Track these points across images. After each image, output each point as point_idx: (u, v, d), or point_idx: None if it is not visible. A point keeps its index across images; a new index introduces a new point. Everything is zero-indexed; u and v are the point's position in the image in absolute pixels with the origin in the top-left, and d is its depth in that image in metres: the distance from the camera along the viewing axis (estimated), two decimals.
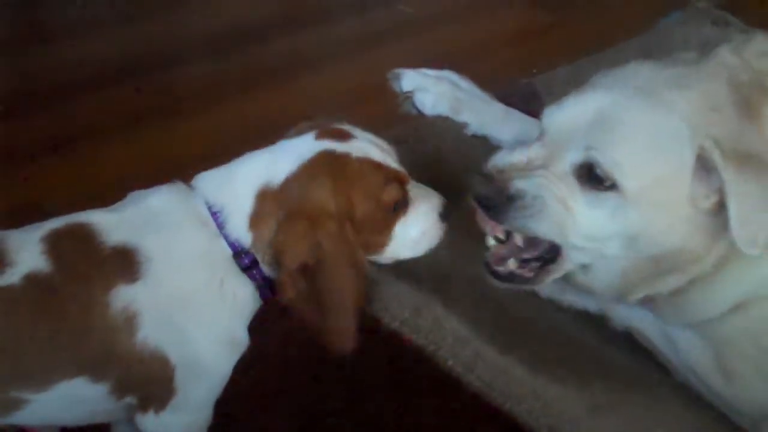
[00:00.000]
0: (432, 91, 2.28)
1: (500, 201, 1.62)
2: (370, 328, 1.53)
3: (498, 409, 1.66)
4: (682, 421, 1.78)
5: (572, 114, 1.65)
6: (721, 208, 1.55)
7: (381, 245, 1.53)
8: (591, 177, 1.61)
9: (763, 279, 1.64)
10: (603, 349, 1.89)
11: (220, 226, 1.44)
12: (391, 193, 1.48)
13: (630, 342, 1.88)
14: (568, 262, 1.72)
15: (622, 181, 1.58)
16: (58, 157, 2.36)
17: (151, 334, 1.39)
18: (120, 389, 1.41)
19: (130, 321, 1.37)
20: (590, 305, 1.90)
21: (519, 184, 1.63)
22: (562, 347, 1.87)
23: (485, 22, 3.22)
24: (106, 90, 2.63)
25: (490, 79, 2.32)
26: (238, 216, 1.44)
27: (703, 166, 1.55)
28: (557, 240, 1.68)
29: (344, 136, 1.48)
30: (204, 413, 1.53)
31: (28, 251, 1.36)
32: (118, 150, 2.42)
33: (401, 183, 1.51)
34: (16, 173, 2.30)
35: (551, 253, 1.72)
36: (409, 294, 1.71)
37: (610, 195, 1.60)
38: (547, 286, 1.90)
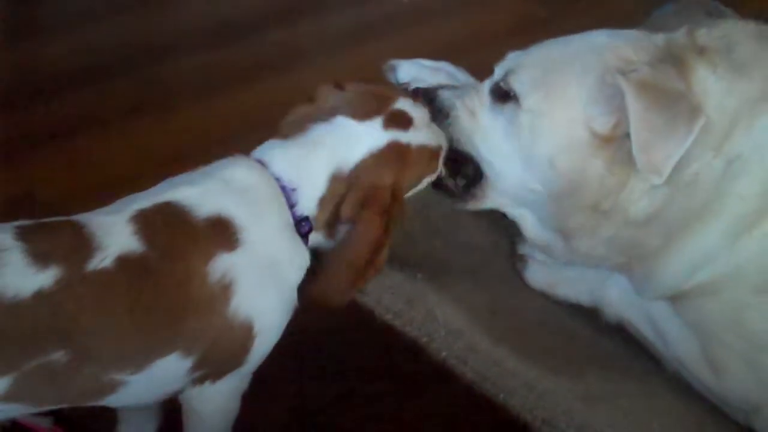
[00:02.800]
0: (428, 81, 2.28)
1: (432, 110, 1.73)
2: (365, 318, 1.54)
3: (493, 401, 1.66)
4: (676, 411, 1.79)
5: (520, 51, 1.81)
6: (625, 137, 1.59)
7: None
8: (500, 93, 1.75)
9: (710, 247, 1.66)
10: (596, 341, 1.89)
11: (292, 202, 1.50)
12: (432, 169, 1.66)
13: (623, 334, 1.89)
14: (492, 190, 1.82)
15: (519, 91, 1.71)
16: (53, 149, 2.35)
17: (243, 302, 1.41)
18: (200, 364, 1.42)
19: (226, 289, 1.40)
20: (583, 298, 1.92)
21: (441, 94, 1.84)
22: (556, 339, 1.88)
23: (482, 13, 3.21)
24: (102, 81, 2.62)
25: (487, 70, 2.31)
26: (311, 196, 1.52)
27: (605, 91, 1.62)
28: (469, 150, 1.81)
29: (406, 123, 1.58)
30: (248, 379, 1.56)
31: (117, 233, 1.36)
32: (113, 141, 2.41)
33: (438, 156, 1.66)
34: (12, 164, 2.29)
35: (475, 174, 1.83)
36: (402, 286, 1.72)
37: (509, 105, 1.73)
38: (539, 280, 1.91)
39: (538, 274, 1.97)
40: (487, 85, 1.81)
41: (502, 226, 2.01)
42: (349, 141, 1.54)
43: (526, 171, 1.73)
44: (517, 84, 1.71)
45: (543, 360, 1.77)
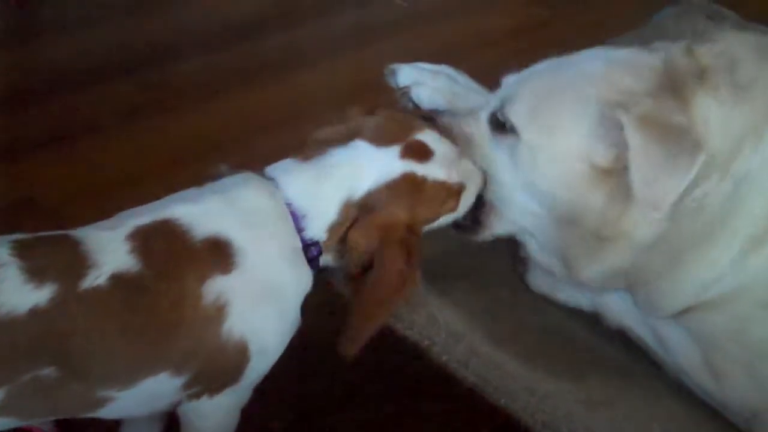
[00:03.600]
0: (429, 85, 2.27)
1: None
2: None
3: (495, 405, 1.66)
4: (676, 416, 1.78)
5: (516, 77, 1.79)
6: (624, 170, 1.57)
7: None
8: (498, 123, 1.73)
9: (719, 267, 1.65)
10: (597, 344, 1.89)
11: (300, 228, 1.49)
12: (449, 207, 1.60)
13: (624, 338, 1.88)
14: (498, 219, 1.80)
15: (517, 124, 1.68)
16: (53, 152, 2.35)
17: (237, 324, 1.40)
18: (193, 382, 1.42)
19: (220, 311, 1.39)
20: (584, 303, 1.91)
21: (440, 121, 1.78)
22: (557, 342, 1.87)
23: (482, 15, 3.21)
24: (102, 85, 2.61)
25: (487, 73, 2.31)
26: (321, 223, 1.50)
27: (604, 124, 1.60)
28: None
29: (425, 155, 1.55)
30: (249, 392, 1.55)
31: (113, 251, 1.36)
32: (113, 145, 2.41)
33: (459, 194, 1.61)
34: (12, 168, 2.29)
35: (479, 203, 1.78)
36: None
37: (508, 137, 1.71)
38: (540, 284, 1.91)
39: (540, 278, 1.97)
40: (485, 113, 1.79)
41: None
42: (363, 167, 1.52)
43: (529, 200, 1.73)
44: (514, 116, 1.70)
45: (544, 363, 1.76)
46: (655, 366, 1.85)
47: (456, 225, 1.77)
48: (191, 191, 1.49)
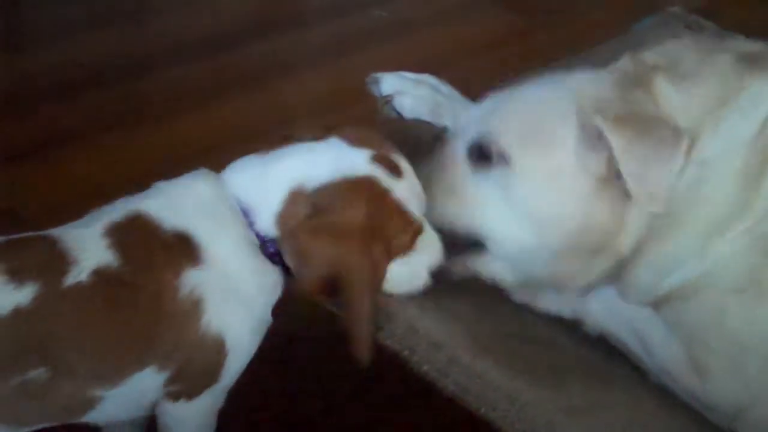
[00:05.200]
0: (411, 94, 2.28)
1: None
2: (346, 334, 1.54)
3: (474, 414, 1.66)
4: (659, 422, 1.78)
5: (479, 108, 1.79)
6: (619, 174, 1.59)
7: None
8: (481, 155, 1.70)
9: (680, 251, 1.67)
10: (579, 351, 1.89)
11: (249, 221, 1.47)
12: (402, 242, 1.52)
13: (605, 346, 1.89)
14: (488, 258, 1.77)
15: (509, 150, 1.66)
16: (35, 163, 2.35)
17: (213, 318, 1.41)
18: (175, 378, 1.42)
19: (196, 305, 1.39)
20: (564, 311, 1.92)
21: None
22: (538, 349, 1.87)
23: (461, 26, 3.22)
24: (83, 95, 2.61)
25: (468, 83, 2.32)
26: (266, 214, 1.46)
27: (588, 132, 1.61)
28: (454, 228, 1.73)
29: (395, 171, 1.50)
30: (223, 397, 1.55)
31: (92, 247, 1.36)
32: (95, 155, 2.41)
33: (415, 234, 1.53)
34: None
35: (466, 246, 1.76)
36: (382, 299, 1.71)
37: (496, 169, 1.68)
38: (519, 292, 1.91)
39: (521, 288, 1.97)
40: (460, 147, 1.76)
41: None
42: (326, 158, 1.47)
43: (524, 231, 1.71)
44: (503, 144, 1.68)
45: (525, 371, 1.76)
46: (638, 372, 1.86)
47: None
48: (150, 189, 1.50)
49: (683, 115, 1.63)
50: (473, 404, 1.66)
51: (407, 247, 1.53)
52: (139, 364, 1.38)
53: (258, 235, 1.47)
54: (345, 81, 2.48)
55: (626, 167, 1.56)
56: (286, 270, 1.51)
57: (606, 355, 1.89)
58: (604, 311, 1.86)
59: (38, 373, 1.29)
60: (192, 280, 1.39)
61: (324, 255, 1.42)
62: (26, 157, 2.38)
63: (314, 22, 3.17)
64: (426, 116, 2.25)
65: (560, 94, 1.69)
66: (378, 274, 1.48)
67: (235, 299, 1.45)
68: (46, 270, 1.32)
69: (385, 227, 1.47)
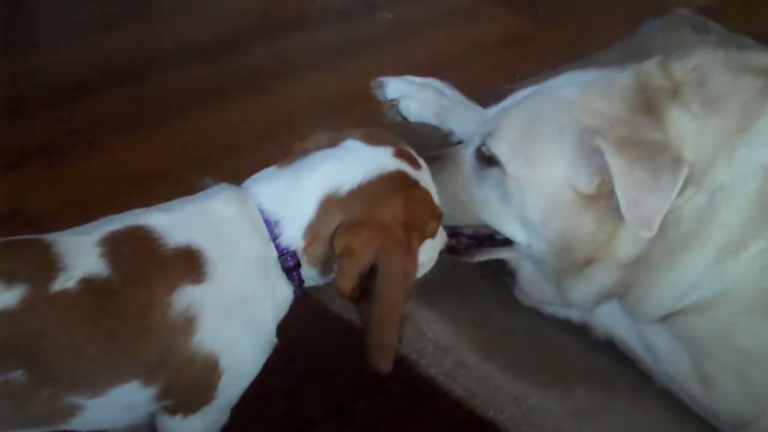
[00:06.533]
0: (416, 98, 2.29)
1: None
2: (357, 333, 1.53)
3: (481, 417, 1.66)
4: (665, 427, 1.78)
5: (495, 109, 1.81)
6: (610, 194, 1.60)
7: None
8: (483, 159, 1.74)
9: (696, 273, 1.67)
10: (585, 355, 1.89)
11: (274, 236, 1.45)
12: (432, 228, 1.55)
13: (613, 350, 1.88)
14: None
15: (500, 157, 1.70)
16: (38, 165, 2.33)
17: (207, 337, 1.39)
18: (164, 394, 1.41)
19: (189, 323, 1.37)
20: (572, 315, 1.91)
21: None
22: (545, 353, 1.87)
23: (467, 29, 3.21)
24: (87, 97, 2.60)
25: (474, 86, 2.32)
26: (296, 226, 1.45)
27: (584, 152, 1.62)
28: (468, 221, 1.80)
29: (416, 164, 1.52)
30: (226, 413, 1.53)
31: (84, 255, 1.35)
32: (99, 158, 2.39)
33: (438, 219, 1.56)
34: None
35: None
36: None
37: (494, 172, 1.72)
38: (527, 297, 1.91)
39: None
40: (469, 150, 1.80)
41: None
42: (355, 161, 1.47)
43: (522, 230, 1.75)
44: (496, 149, 1.72)
45: (532, 375, 1.76)
46: (644, 377, 1.85)
47: (451, 249, 1.77)
48: (168, 202, 1.48)
49: (693, 145, 1.63)
50: (481, 408, 1.67)
51: (434, 233, 1.56)
52: (122, 376, 1.36)
53: (278, 248, 1.46)
54: (350, 83, 2.47)
55: (623, 192, 1.56)
56: (299, 285, 1.50)
57: (613, 360, 1.89)
58: (611, 316, 1.85)
59: (17, 375, 1.28)
60: (188, 297, 1.37)
61: (369, 248, 1.42)
62: (30, 158, 2.37)
63: (319, 24, 3.15)
64: (431, 120, 2.25)
65: (562, 108, 1.69)
66: (414, 264, 1.49)
67: (239, 319, 1.43)
68: (36, 274, 1.31)
69: (418, 217, 1.49)
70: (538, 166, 1.69)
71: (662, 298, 1.71)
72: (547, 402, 1.74)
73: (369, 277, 1.43)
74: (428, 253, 1.58)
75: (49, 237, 1.38)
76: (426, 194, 1.51)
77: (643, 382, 1.85)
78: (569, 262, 1.73)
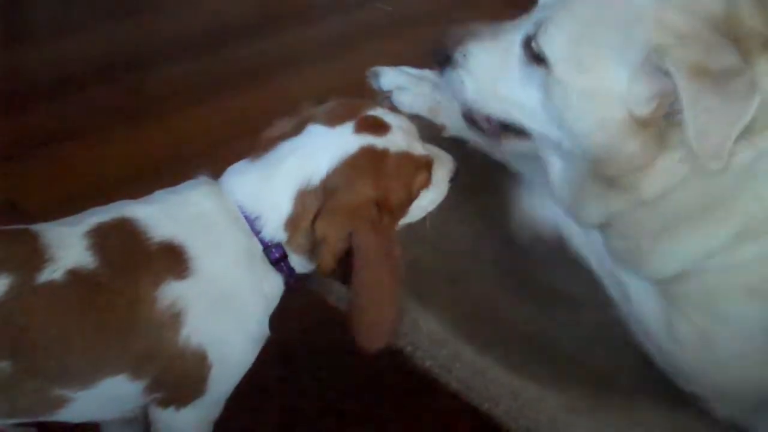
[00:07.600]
0: (411, 90, 2.28)
1: (443, 57, 1.72)
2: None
3: (478, 410, 1.66)
4: (659, 423, 1.78)
5: None
6: (663, 119, 1.50)
7: (400, 219, 1.57)
8: (531, 54, 1.61)
9: (711, 245, 1.59)
10: (580, 354, 1.89)
11: (256, 230, 1.45)
12: (421, 182, 1.54)
13: (611, 345, 1.88)
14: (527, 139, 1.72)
15: (549, 56, 1.56)
16: (35, 157, 2.35)
17: (194, 331, 1.39)
18: (154, 387, 1.41)
19: (176, 317, 1.37)
20: (548, 224, 1.88)
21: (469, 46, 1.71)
22: (540, 348, 1.87)
23: (465, 21, 3.21)
24: (85, 90, 2.61)
25: None
26: (276, 220, 1.46)
27: (648, 70, 1.48)
28: (498, 113, 1.71)
29: (381, 129, 1.49)
30: (219, 407, 1.54)
31: (72, 246, 1.35)
32: (95, 150, 2.40)
33: (428, 168, 1.55)
34: None
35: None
36: None
37: (541, 69, 1.59)
38: (527, 205, 1.89)
39: (529, 199, 1.95)
40: (519, 36, 1.66)
41: (487, 234, 2.01)
42: (317, 149, 1.47)
43: (558, 133, 1.62)
44: (547, 46, 1.56)
45: (527, 369, 1.76)
46: (639, 375, 1.85)
47: (471, 121, 1.75)
48: (152, 194, 1.48)
49: (765, 99, 1.43)
50: (476, 400, 1.66)
51: (427, 181, 1.56)
52: (109, 369, 1.36)
53: (262, 242, 1.46)
54: (348, 76, 2.46)
55: (693, 121, 1.40)
56: (289, 274, 1.51)
57: (607, 357, 1.89)
58: (588, 243, 1.82)
59: (4, 366, 1.28)
60: (174, 292, 1.38)
61: (340, 233, 1.43)
62: (29, 150, 2.38)
63: (317, 17, 3.16)
64: (424, 113, 2.24)
65: (634, 17, 1.50)
66: (391, 240, 1.49)
67: (227, 313, 1.44)
68: (23, 264, 1.31)
69: (396, 186, 1.49)
70: (590, 75, 1.53)
71: (666, 260, 1.64)
72: (543, 396, 1.74)
73: (352, 271, 1.44)
74: (435, 190, 1.59)
75: (37, 227, 1.38)
76: (399, 160, 1.49)
77: (638, 381, 1.85)
78: (593, 175, 1.61)
